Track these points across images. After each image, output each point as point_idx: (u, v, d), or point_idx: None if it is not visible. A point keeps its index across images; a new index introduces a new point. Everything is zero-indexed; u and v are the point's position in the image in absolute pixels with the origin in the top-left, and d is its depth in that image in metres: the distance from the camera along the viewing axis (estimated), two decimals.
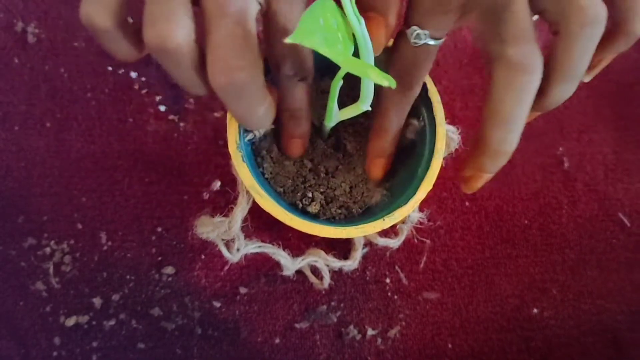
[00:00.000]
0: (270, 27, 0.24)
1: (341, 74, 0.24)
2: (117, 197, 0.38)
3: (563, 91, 0.26)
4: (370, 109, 0.27)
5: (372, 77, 0.21)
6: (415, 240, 0.40)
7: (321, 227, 0.27)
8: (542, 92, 0.26)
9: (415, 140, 0.31)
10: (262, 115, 0.25)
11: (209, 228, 0.28)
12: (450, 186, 0.41)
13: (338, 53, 0.21)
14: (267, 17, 0.24)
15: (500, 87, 0.25)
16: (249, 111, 0.24)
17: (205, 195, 0.39)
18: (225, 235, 0.28)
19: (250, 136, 0.29)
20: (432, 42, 0.25)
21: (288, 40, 0.19)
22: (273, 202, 0.27)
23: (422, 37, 0.25)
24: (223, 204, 0.39)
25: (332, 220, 0.31)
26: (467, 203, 0.41)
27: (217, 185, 0.39)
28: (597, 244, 0.42)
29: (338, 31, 0.22)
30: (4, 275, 0.37)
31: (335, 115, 0.28)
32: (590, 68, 0.29)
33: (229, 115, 0.28)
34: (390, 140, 0.30)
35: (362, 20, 0.23)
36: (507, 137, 0.26)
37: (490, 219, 0.41)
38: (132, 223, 0.38)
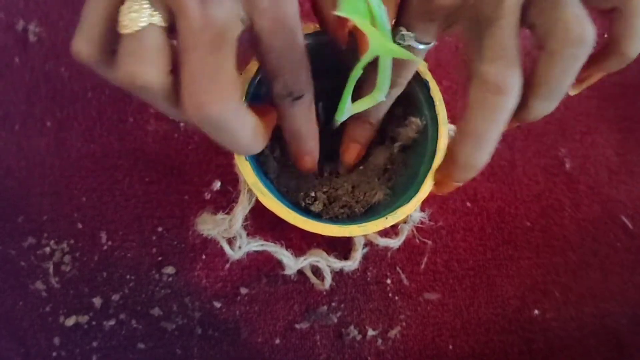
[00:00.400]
0: (259, 45, 0.23)
1: (364, 61, 0.24)
2: (117, 196, 0.38)
3: (542, 107, 0.26)
4: (385, 99, 0.26)
5: (408, 57, 0.21)
6: (417, 241, 0.40)
7: (324, 225, 0.27)
8: (522, 105, 0.26)
9: (417, 139, 0.31)
10: (249, 142, 0.24)
11: (209, 225, 0.28)
12: None
13: (375, 32, 0.22)
14: (253, 35, 0.23)
15: (473, 105, 0.24)
16: (232, 140, 0.23)
17: (206, 195, 0.39)
18: (226, 233, 0.28)
19: None
20: (419, 46, 0.25)
21: (338, 13, 0.20)
22: (276, 200, 0.27)
23: (406, 38, 0.25)
24: (224, 203, 0.39)
25: (334, 220, 0.31)
26: (468, 204, 0.41)
27: (217, 185, 0.39)
28: (599, 246, 0.41)
29: (366, 18, 0.23)
30: (3, 275, 0.36)
31: (347, 108, 0.28)
32: (579, 82, 0.29)
33: None
34: (369, 128, 0.30)
35: (383, 8, 0.23)
36: (475, 154, 0.25)
37: (492, 220, 0.41)
38: (132, 223, 0.38)
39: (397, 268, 0.39)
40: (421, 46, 0.26)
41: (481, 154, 0.25)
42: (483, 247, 0.40)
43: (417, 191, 0.28)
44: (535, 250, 0.41)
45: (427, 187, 0.28)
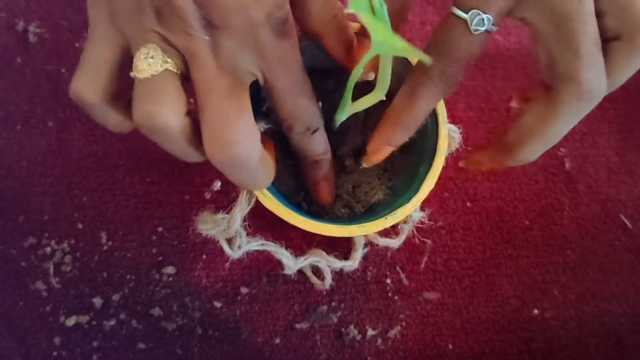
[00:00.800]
0: (273, 95, 0.24)
1: (365, 60, 0.24)
2: (118, 196, 0.38)
3: (530, 152, 0.26)
4: (385, 98, 0.26)
5: (412, 55, 0.21)
6: (417, 241, 0.40)
7: (324, 225, 0.27)
8: (508, 146, 0.26)
9: (416, 139, 0.31)
10: (262, 177, 0.25)
11: (209, 225, 0.28)
12: (452, 186, 0.41)
13: (379, 28, 0.22)
14: (267, 86, 0.23)
15: (558, 107, 0.23)
16: (249, 178, 0.24)
17: (207, 195, 0.39)
18: (225, 233, 0.28)
19: None
20: (494, 28, 0.23)
21: (348, 10, 0.20)
22: (276, 201, 0.27)
23: (485, 22, 0.22)
24: (225, 203, 0.39)
25: (335, 220, 0.31)
26: (468, 203, 0.41)
27: (217, 185, 0.39)
28: (599, 246, 0.41)
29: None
30: (4, 275, 0.37)
31: (348, 107, 0.28)
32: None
33: None
34: (408, 132, 0.27)
35: (384, 5, 0.23)
36: (538, 152, 0.26)
37: (492, 219, 0.41)
38: (132, 223, 0.38)
39: (397, 267, 0.39)
40: (495, 28, 0.23)
41: (539, 151, 0.25)
42: (482, 246, 0.40)
43: (416, 191, 0.28)
44: (534, 250, 0.41)
45: (427, 187, 0.28)
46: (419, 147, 0.31)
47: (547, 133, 0.25)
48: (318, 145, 0.27)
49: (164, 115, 0.21)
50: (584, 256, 0.41)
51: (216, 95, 0.21)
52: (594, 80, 0.23)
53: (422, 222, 0.30)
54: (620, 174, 0.43)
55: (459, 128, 0.31)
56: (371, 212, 0.31)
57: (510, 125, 0.26)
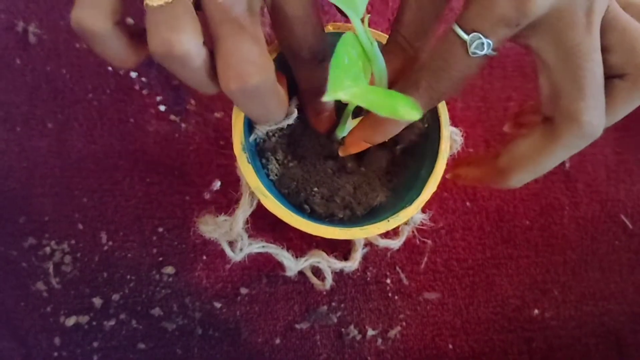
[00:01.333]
0: (279, 17, 0.24)
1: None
2: (118, 197, 0.38)
3: (518, 180, 0.26)
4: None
5: (403, 115, 0.21)
6: (417, 242, 0.40)
7: (326, 228, 0.27)
8: (497, 170, 0.26)
9: (418, 141, 0.31)
10: (276, 110, 0.25)
11: (210, 227, 0.28)
12: (452, 187, 0.41)
13: (366, 99, 0.22)
14: (274, 8, 0.23)
15: (558, 146, 0.23)
16: (262, 110, 0.24)
17: (206, 195, 0.39)
18: (227, 236, 0.28)
19: (254, 136, 0.29)
20: (494, 54, 0.22)
21: (325, 98, 0.20)
22: (278, 203, 0.27)
23: (484, 47, 0.21)
24: (225, 203, 0.39)
25: (336, 221, 0.31)
26: (468, 203, 0.41)
27: (217, 185, 0.39)
28: (598, 245, 0.42)
29: (358, 60, 0.23)
30: (4, 276, 0.37)
31: (349, 124, 0.28)
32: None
33: (234, 117, 0.28)
34: (386, 136, 0.27)
35: (375, 43, 0.23)
36: (525, 178, 0.26)
37: (491, 219, 0.41)
38: (132, 223, 0.38)
39: (397, 268, 0.39)
40: (494, 54, 0.22)
41: (526, 179, 0.26)
42: (482, 246, 0.40)
43: (419, 194, 0.28)
44: (534, 249, 0.41)
45: (429, 189, 0.28)
46: (421, 149, 0.31)
47: (540, 164, 0.25)
48: (323, 75, 0.25)
49: (184, 43, 0.20)
50: (583, 256, 0.41)
51: (229, 25, 0.21)
52: (596, 121, 0.22)
53: (422, 224, 0.30)
54: (618, 173, 0.43)
55: (460, 130, 0.31)
56: (372, 214, 0.31)
57: (502, 149, 0.26)
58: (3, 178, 0.38)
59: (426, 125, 0.30)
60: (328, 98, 0.20)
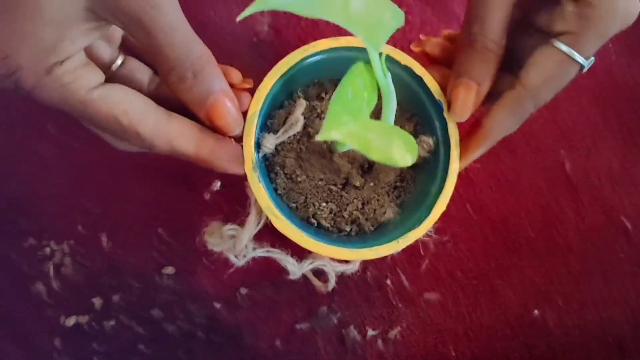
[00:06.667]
0: (149, 46, 0.24)
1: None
2: (118, 199, 0.38)
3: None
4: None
5: (396, 162, 0.22)
6: (419, 244, 0.39)
7: (336, 249, 0.27)
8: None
9: (428, 158, 0.30)
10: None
11: (216, 239, 0.28)
12: (456, 197, 0.40)
13: (362, 140, 0.22)
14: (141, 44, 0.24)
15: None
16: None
17: (207, 196, 0.39)
18: (231, 251, 0.28)
19: (262, 152, 0.29)
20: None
21: (319, 138, 0.21)
22: (289, 223, 0.27)
23: (588, 65, 0.27)
24: (224, 205, 0.38)
25: (343, 238, 0.30)
26: (473, 214, 0.40)
27: (217, 185, 0.38)
28: (602, 255, 0.41)
29: (364, 91, 0.23)
30: (4, 277, 0.36)
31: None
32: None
33: (245, 136, 0.28)
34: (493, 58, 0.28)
35: (389, 75, 0.24)
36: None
37: (496, 229, 0.41)
38: (133, 225, 0.38)
39: (398, 269, 0.39)
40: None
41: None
42: (487, 256, 0.40)
43: (428, 213, 0.28)
44: (538, 259, 0.41)
45: (438, 209, 0.28)
46: (431, 166, 0.30)
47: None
48: (209, 84, 0.25)
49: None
50: (587, 265, 0.41)
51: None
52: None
53: (427, 235, 0.29)
54: (623, 184, 0.43)
55: None
56: (380, 229, 0.31)
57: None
58: (4, 180, 0.38)
59: (436, 143, 0.30)
60: (322, 138, 0.20)
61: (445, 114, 0.29)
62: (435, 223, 0.28)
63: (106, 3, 0.22)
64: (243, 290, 0.38)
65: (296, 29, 0.41)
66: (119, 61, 0.29)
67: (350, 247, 0.27)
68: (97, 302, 0.36)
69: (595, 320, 0.40)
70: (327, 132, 0.20)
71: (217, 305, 0.37)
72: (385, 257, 0.39)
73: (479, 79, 0.27)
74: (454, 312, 0.39)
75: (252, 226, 0.28)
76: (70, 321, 0.36)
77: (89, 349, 0.36)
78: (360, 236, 0.31)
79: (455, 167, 0.29)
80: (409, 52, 0.30)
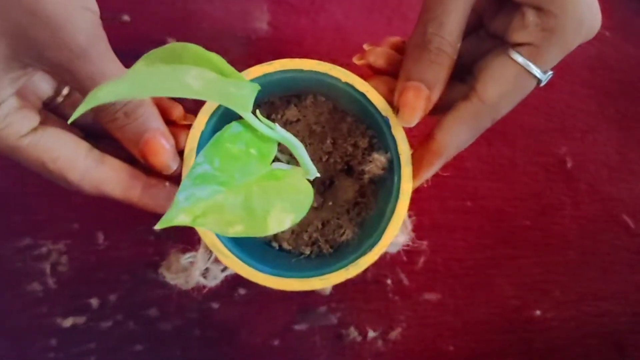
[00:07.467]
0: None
1: None
2: None
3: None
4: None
5: (270, 230, 0.22)
6: (416, 242, 0.39)
7: (286, 281, 0.27)
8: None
9: (384, 175, 0.29)
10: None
11: (172, 274, 0.28)
12: (452, 186, 0.40)
13: (218, 222, 0.21)
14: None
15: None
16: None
17: None
18: (184, 286, 0.28)
19: None
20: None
21: (157, 227, 0.19)
22: (237, 260, 0.26)
23: (546, 79, 0.26)
24: None
25: (303, 260, 0.30)
26: (468, 203, 0.40)
27: None
28: (599, 245, 0.41)
29: (249, 148, 0.23)
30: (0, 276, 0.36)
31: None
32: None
33: (183, 173, 0.27)
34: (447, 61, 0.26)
35: (277, 126, 0.23)
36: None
37: (492, 219, 0.41)
38: (129, 222, 0.38)
39: (397, 268, 0.39)
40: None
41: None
42: (482, 246, 0.40)
43: (380, 238, 0.27)
44: (534, 249, 0.41)
45: (389, 234, 0.27)
46: (387, 184, 0.29)
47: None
48: (142, 123, 0.26)
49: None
50: (584, 256, 0.41)
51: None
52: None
53: (407, 246, 0.29)
54: (620, 173, 0.43)
55: (409, 216, 0.30)
56: (339, 252, 0.30)
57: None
58: None
59: (390, 159, 0.28)
60: (160, 226, 0.19)
61: (394, 130, 0.27)
62: (415, 234, 0.28)
63: (30, 53, 0.22)
64: (239, 288, 0.38)
65: (296, 27, 0.41)
66: (64, 91, 0.29)
67: (301, 277, 0.27)
68: (93, 302, 0.36)
69: (593, 312, 0.40)
70: (168, 221, 0.19)
71: (212, 302, 0.37)
72: (384, 256, 0.39)
73: (430, 83, 0.26)
74: (452, 306, 0.39)
75: (200, 265, 0.28)
76: (67, 322, 0.36)
77: (85, 349, 0.36)
78: (320, 258, 0.30)
79: (406, 187, 0.27)
80: (353, 66, 0.29)
